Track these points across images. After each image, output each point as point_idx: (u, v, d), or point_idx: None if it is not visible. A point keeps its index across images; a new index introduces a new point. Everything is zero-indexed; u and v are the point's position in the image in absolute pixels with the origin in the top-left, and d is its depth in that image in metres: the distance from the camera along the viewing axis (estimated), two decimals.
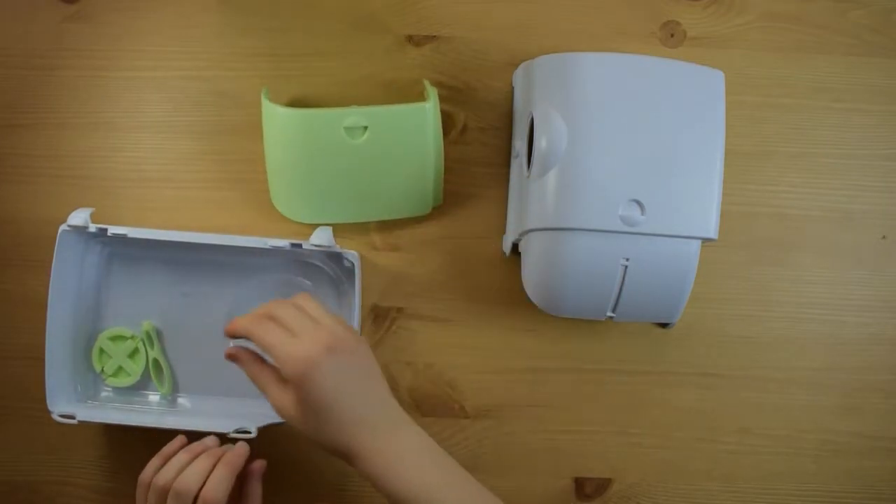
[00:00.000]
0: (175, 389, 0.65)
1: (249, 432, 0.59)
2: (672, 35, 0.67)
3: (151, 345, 0.63)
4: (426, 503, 0.47)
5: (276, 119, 0.61)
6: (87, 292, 0.63)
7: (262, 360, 0.53)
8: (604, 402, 0.66)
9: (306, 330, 0.50)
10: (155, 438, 0.65)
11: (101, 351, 0.63)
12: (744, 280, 0.66)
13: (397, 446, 0.50)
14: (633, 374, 0.66)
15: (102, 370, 0.63)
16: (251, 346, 0.52)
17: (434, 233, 0.66)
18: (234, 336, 0.52)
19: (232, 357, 0.54)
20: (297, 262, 0.65)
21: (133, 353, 0.64)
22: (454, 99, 0.66)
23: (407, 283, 0.66)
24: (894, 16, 0.67)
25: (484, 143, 0.66)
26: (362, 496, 0.66)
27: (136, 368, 0.63)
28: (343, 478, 0.66)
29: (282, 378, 0.51)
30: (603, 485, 0.66)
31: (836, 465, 0.66)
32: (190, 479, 0.50)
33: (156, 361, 0.64)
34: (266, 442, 0.61)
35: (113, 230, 0.60)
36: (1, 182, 0.66)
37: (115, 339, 0.63)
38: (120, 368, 0.63)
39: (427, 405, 0.66)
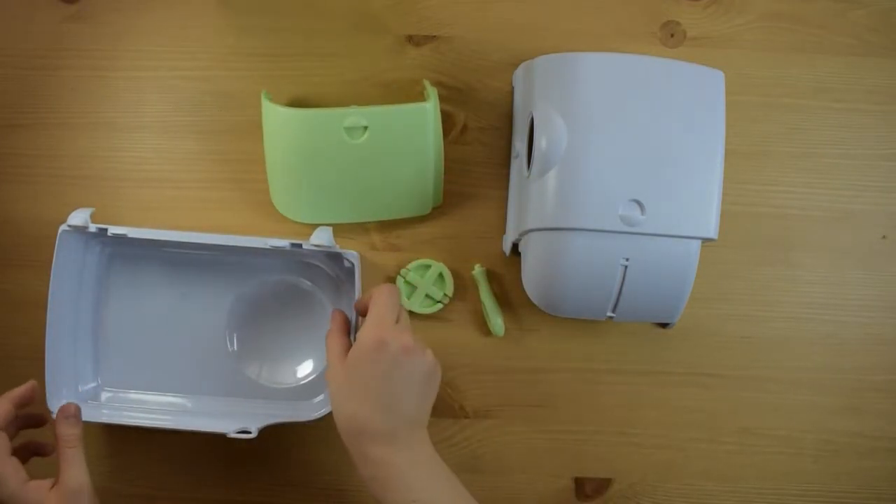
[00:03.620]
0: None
1: (250, 432, 0.59)
2: (672, 35, 0.67)
3: (481, 287, 0.65)
4: None
5: (277, 119, 0.61)
6: (87, 292, 0.63)
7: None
8: (604, 402, 0.66)
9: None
10: (155, 438, 0.65)
11: (405, 284, 0.64)
12: (744, 280, 0.66)
13: (419, 455, 0.52)
14: (633, 374, 0.66)
15: (409, 301, 0.65)
16: None
17: (434, 233, 0.66)
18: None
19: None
20: (297, 262, 0.65)
21: (437, 280, 0.65)
22: (454, 99, 0.66)
23: None
24: (894, 16, 0.67)
25: (484, 143, 0.66)
26: (361, 497, 0.66)
27: (440, 294, 0.64)
28: (342, 478, 0.66)
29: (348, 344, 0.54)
30: (603, 485, 0.66)
31: (836, 465, 0.66)
32: None
33: (483, 303, 0.65)
34: (266, 442, 0.61)
35: (113, 230, 0.60)
36: (1, 182, 0.66)
37: (419, 269, 0.65)
38: (427, 296, 0.64)
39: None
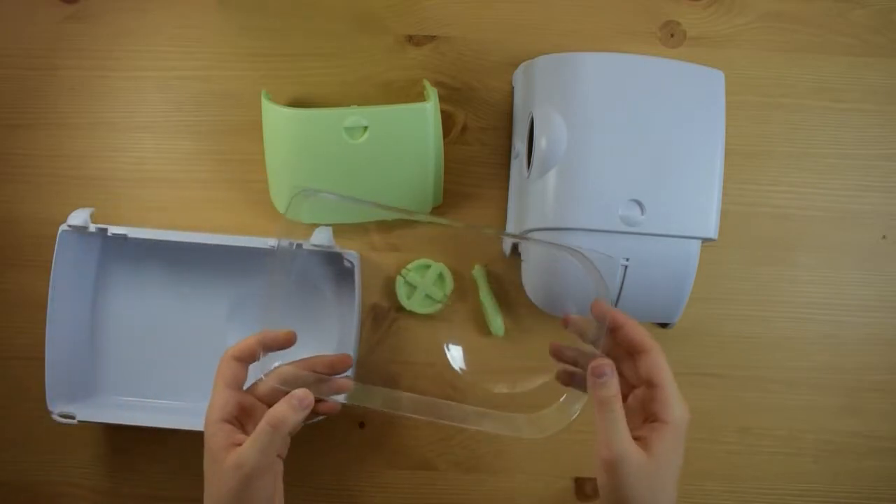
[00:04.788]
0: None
1: None
2: (672, 35, 0.67)
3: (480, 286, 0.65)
4: None
5: (277, 119, 0.61)
6: (87, 292, 0.63)
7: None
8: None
9: None
10: (154, 438, 0.65)
11: (405, 284, 0.64)
12: (744, 280, 0.66)
13: None
14: None
15: (409, 301, 0.65)
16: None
17: (434, 233, 0.66)
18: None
19: (599, 371, 0.46)
20: (297, 262, 0.64)
21: (437, 280, 0.65)
22: (454, 99, 0.66)
23: None
24: (894, 16, 0.67)
25: (484, 143, 0.66)
26: (361, 496, 0.66)
27: (440, 294, 0.64)
28: (343, 478, 0.66)
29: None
30: None
31: (836, 465, 0.66)
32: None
33: (483, 303, 0.65)
34: None
35: (113, 230, 0.60)
36: (1, 182, 0.66)
37: (419, 269, 0.65)
38: (426, 296, 0.65)
39: (427, 405, 0.66)
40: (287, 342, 0.52)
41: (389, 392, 0.56)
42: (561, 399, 0.51)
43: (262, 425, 0.48)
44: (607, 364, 0.47)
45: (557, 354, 0.52)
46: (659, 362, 0.47)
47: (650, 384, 0.46)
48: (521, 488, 0.66)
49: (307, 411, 0.49)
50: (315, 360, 0.53)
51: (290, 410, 0.48)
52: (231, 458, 0.47)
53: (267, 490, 0.49)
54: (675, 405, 0.46)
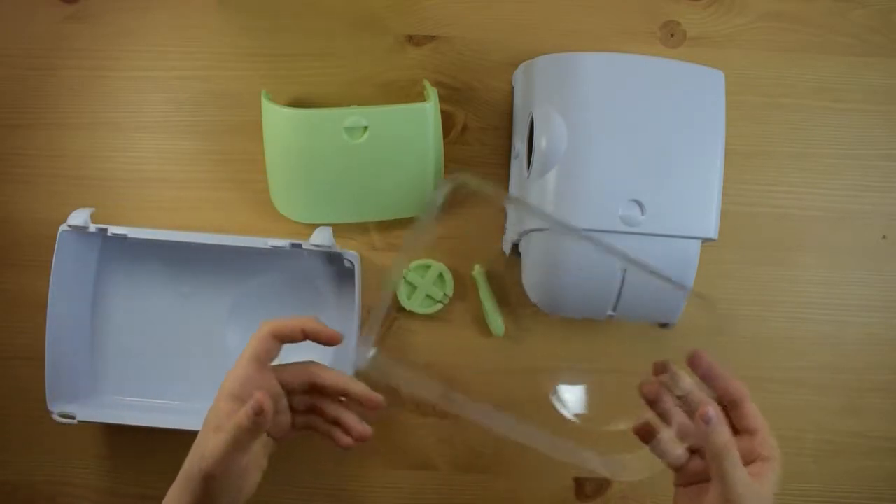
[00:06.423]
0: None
1: None
2: (672, 35, 0.67)
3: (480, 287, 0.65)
4: None
5: (277, 119, 0.61)
6: (87, 292, 0.63)
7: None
8: (604, 402, 0.66)
9: None
10: (154, 438, 0.65)
11: (405, 284, 0.64)
12: (744, 280, 0.66)
13: None
14: (633, 374, 0.66)
15: (409, 301, 0.65)
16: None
17: (434, 233, 0.66)
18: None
19: (707, 416, 0.45)
20: (297, 262, 0.65)
21: (437, 280, 0.65)
22: (454, 99, 0.66)
23: None
24: (894, 16, 0.67)
25: (484, 143, 0.66)
26: (362, 498, 0.66)
27: (440, 293, 0.64)
28: (344, 480, 0.66)
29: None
30: (603, 485, 0.66)
31: (836, 465, 0.66)
32: None
33: (483, 303, 0.65)
34: None
35: (113, 230, 0.60)
36: (1, 182, 0.66)
37: (419, 269, 0.65)
38: (427, 296, 0.65)
39: (427, 405, 0.66)
40: (331, 341, 0.48)
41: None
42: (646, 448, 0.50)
43: (233, 421, 0.44)
44: (712, 407, 0.45)
45: (652, 399, 0.49)
46: (754, 410, 0.47)
47: (748, 431, 0.47)
48: (521, 488, 0.66)
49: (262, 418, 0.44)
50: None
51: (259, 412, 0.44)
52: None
53: (230, 494, 0.45)
54: (774, 442, 0.48)
